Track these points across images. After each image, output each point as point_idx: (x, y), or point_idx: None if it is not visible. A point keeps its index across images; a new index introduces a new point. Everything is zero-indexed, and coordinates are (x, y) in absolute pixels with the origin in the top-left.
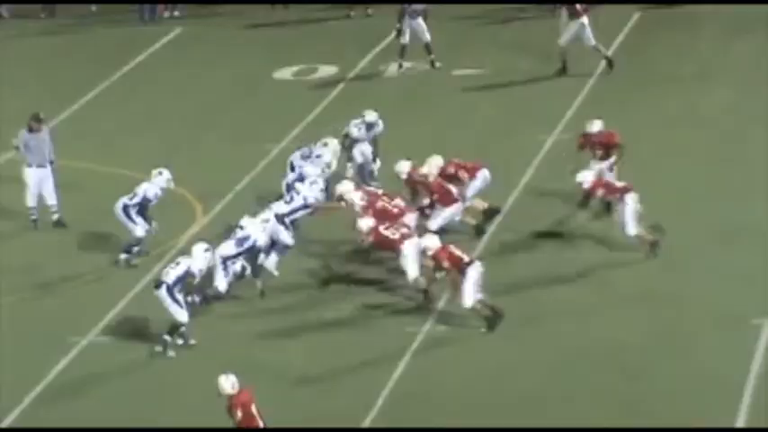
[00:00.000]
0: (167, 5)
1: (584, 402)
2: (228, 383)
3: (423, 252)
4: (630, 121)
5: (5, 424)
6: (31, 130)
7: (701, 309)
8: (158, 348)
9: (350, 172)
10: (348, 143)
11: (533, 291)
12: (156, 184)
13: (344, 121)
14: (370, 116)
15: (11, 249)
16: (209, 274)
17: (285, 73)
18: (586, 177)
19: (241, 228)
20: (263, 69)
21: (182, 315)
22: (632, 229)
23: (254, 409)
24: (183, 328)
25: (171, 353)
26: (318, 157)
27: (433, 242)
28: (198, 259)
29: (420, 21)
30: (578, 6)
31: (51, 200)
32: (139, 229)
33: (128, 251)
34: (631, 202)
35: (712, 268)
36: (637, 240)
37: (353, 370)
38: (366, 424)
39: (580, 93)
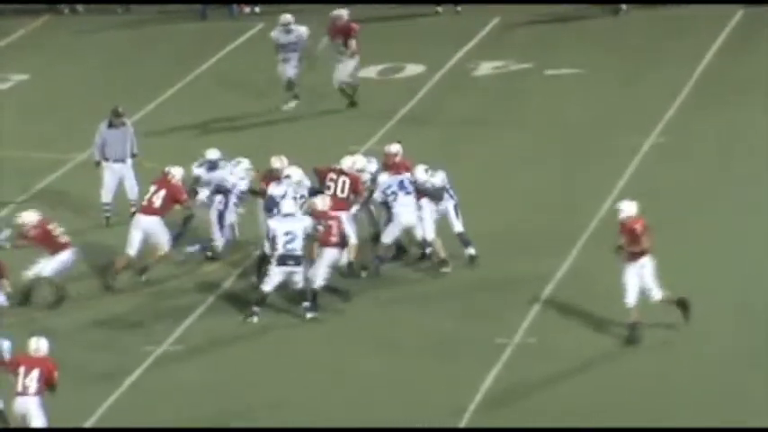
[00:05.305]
0: (248, 2)
1: (674, 415)
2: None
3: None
4: (732, 122)
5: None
6: (111, 125)
7: None
8: None
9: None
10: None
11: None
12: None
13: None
14: (211, 154)
15: (85, 248)
16: None
17: (370, 71)
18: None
19: None
20: None
21: None
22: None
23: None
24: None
25: None
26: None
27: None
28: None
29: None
30: (354, 44)
31: (132, 194)
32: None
33: None
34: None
35: None
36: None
37: (442, 380)
38: None
39: (680, 94)
